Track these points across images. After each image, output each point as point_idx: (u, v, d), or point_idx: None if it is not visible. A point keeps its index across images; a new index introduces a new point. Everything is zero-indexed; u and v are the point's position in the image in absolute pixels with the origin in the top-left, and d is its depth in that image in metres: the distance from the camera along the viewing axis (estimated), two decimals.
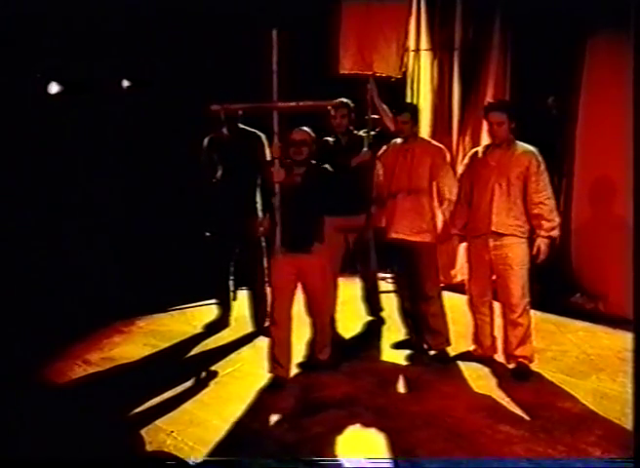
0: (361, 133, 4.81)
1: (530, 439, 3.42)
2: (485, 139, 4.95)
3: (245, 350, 4.77)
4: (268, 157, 4.67)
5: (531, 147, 4.17)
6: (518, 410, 3.74)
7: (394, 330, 4.90)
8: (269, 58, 3.81)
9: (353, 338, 5.00)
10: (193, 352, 4.77)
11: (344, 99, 4.80)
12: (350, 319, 5.17)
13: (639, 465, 2.94)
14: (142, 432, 3.55)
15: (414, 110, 4.55)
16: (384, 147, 4.59)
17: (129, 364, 4.53)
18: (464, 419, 3.65)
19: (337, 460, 3.30)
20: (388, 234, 4.49)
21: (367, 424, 3.63)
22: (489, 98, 5.76)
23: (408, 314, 4.67)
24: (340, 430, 3.56)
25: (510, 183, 4.12)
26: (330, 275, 4.37)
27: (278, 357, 4.12)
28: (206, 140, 5.01)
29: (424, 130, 5.83)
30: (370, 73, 4.74)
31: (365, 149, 4.68)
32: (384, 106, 4.68)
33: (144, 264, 5.84)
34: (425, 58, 6.22)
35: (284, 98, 3.96)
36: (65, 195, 5.78)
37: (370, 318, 5.24)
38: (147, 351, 4.76)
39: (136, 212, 6.05)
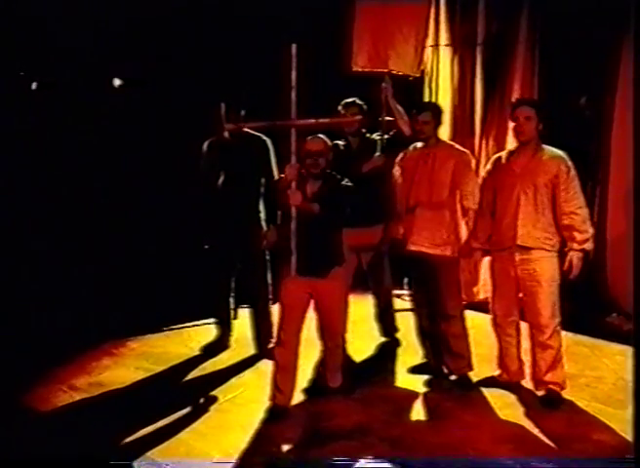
0: (374, 136, 4.84)
1: None
2: (510, 143, 4.96)
3: (247, 374, 4.76)
4: (277, 174, 4.71)
5: (559, 152, 4.17)
6: (548, 442, 3.73)
7: (411, 352, 4.90)
8: (288, 73, 3.83)
9: (365, 362, 4.99)
10: (190, 376, 4.77)
11: (356, 99, 4.83)
12: (362, 340, 5.16)
13: (639, 465, 3.03)
14: (134, 464, 3.55)
15: (436, 110, 4.53)
16: (403, 152, 4.59)
17: (119, 389, 4.53)
18: (489, 452, 3.64)
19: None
20: (406, 246, 4.49)
21: (381, 456, 3.61)
22: (515, 98, 5.77)
23: (426, 335, 4.66)
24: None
25: (537, 192, 4.12)
26: (346, 296, 4.37)
27: (280, 383, 4.10)
28: (206, 144, 5.03)
29: (444, 132, 5.84)
30: (385, 71, 4.77)
31: (378, 154, 4.70)
32: (400, 108, 4.70)
33: (137, 280, 5.86)
34: (445, 54, 6.23)
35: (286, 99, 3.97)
36: (51, 208, 5.81)
37: (384, 339, 5.23)
38: (140, 375, 4.76)
39: (127, 221, 6.08)
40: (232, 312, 5.25)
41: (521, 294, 4.28)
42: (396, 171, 4.60)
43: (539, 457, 3.30)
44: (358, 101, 4.84)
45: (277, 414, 4.07)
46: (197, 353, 5.13)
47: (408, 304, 5.01)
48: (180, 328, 5.72)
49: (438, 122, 4.49)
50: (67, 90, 5.87)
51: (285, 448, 3.74)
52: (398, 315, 5.27)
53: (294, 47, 3.81)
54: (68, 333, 5.21)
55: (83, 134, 5.92)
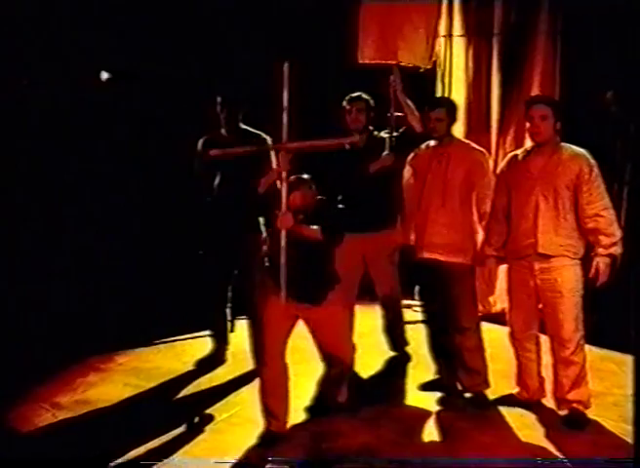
0: (382, 134, 4.83)
1: None
2: (529, 141, 4.96)
3: (244, 391, 4.74)
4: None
5: (580, 150, 4.15)
6: (571, 466, 3.70)
7: (422, 368, 4.90)
8: (279, 93, 3.69)
9: (373, 378, 4.99)
10: (183, 393, 4.77)
11: (362, 93, 4.83)
12: (370, 354, 5.15)
13: (639, 465, 3.12)
14: None
15: (450, 106, 4.52)
16: (415, 151, 4.58)
17: (106, 407, 4.52)
18: None
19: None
20: (418, 253, 4.49)
21: None
22: (534, 92, 5.77)
23: (439, 349, 4.65)
24: None
25: (558, 195, 4.10)
26: (348, 319, 4.28)
27: (272, 407, 4.02)
28: (200, 142, 5.02)
29: (457, 129, 5.83)
30: (394, 63, 4.77)
31: (386, 153, 4.70)
32: (410, 102, 4.70)
33: (125, 289, 5.86)
34: (459, 44, 6.23)
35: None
36: (34, 213, 5.81)
37: (393, 353, 5.23)
38: (129, 392, 4.76)
39: (115, 225, 6.07)
40: (229, 324, 5.25)
41: (541, 306, 4.26)
42: (407, 171, 4.60)
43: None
44: (364, 96, 4.83)
45: (270, 441, 3.98)
46: (191, 368, 5.13)
47: (419, 316, 5.00)
48: (172, 341, 5.73)
49: (452, 119, 4.48)
50: (53, 84, 5.88)
51: None
52: (408, 327, 5.26)
53: (286, 65, 3.68)
54: (51, 347, 5.20)
55: (69, 131, 5.93)
